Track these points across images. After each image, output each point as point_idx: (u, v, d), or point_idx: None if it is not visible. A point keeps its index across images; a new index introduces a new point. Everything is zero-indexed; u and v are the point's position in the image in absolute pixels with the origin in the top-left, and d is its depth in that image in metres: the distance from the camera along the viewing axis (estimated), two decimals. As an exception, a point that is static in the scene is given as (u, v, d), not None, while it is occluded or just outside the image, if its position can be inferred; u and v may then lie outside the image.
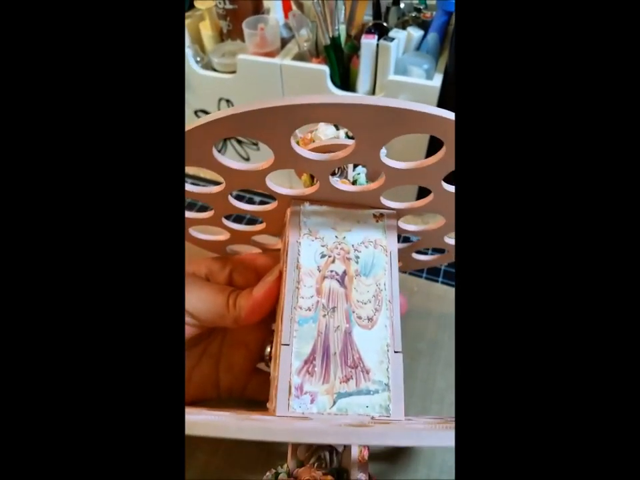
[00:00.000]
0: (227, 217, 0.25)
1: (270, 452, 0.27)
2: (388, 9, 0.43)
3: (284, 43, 0.44)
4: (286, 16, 0.47)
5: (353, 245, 0.21)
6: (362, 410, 0.17)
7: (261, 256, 0.26)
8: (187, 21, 0.47)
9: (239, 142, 0.49)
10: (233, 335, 0.27)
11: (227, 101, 0.45)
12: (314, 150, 0.22)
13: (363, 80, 0.40)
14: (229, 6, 0.44)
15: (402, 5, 0.43)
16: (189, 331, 0.23)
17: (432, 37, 0.40)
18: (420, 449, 0.28)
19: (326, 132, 0.23)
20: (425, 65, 0.38)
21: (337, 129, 0.23)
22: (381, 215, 0.22)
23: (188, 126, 0.16)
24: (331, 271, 0.20)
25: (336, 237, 0.21)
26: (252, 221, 0.43)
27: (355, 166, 0.24)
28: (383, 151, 0.24)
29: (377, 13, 0.43)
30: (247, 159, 0.50)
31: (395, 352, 0.18)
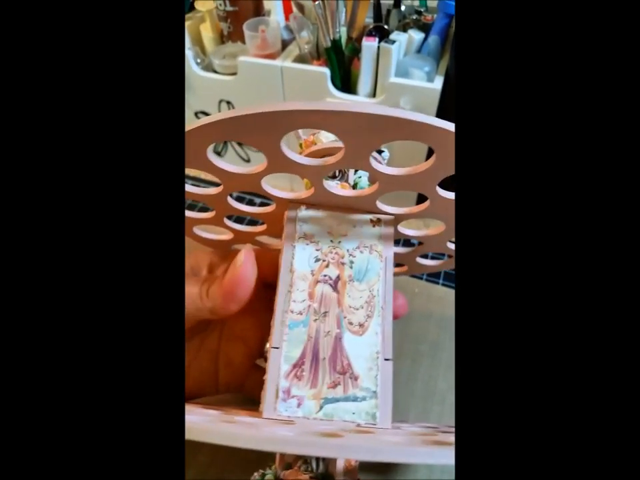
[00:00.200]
0: (229, 217, 0.25)
1: (265, 454, 0.27)
2: (389, 11, 0.43)
3: (285, 45, 0.44)
4: (287, 18, 0.47)
5: (347, 250, 0.21)
6: (348, 416, 0.17)
7: (264, 250, 0.26)
8: (187, 23, 0.47)
9: (239, 143, 0.49)
10: (231, 329, 0.27)
11: (228, 102, 0.45)
12: (314, 153, 0.22)
13: (364, 82, 0.40)
14: (229, 8, 0.44)
15: (403, 8, 0.43)
16: None
17: (433, 39, 0.40)
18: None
19: (327, 135, 0.23)
20: (426, 68, 0.38)
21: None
22: (378, 220, 0.22)
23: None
24: (325, 276, 0.20)
25: (331, 241, 0.21)
26: (253, 222, 0.43)
27: (356, 170, 0.23)
28: (386, 154, 0.24)
29: (377, 16, 0.43)
30: (248, 161, 0.50)
31: (385, 359, 0.18)
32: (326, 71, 0.39)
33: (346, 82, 0.43)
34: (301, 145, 0.24)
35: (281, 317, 0.19)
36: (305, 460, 0.18)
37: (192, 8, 0.49)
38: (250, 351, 0.26)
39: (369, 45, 0.38)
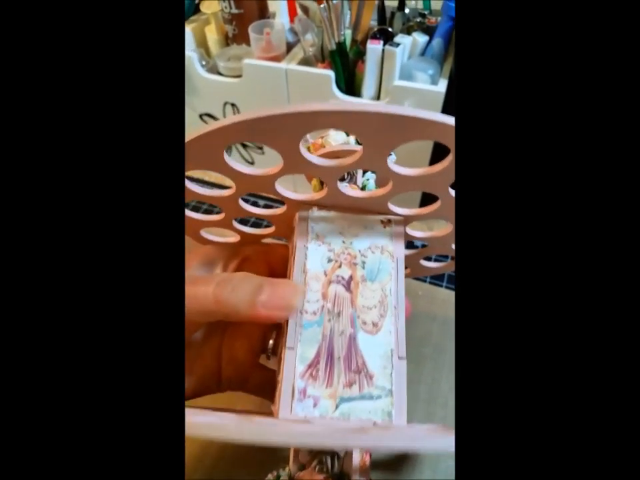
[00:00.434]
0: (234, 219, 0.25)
1: (276, 456, 0.27)
2: (393, 14, 0.43)
3: (289, 47, 0.45)
4: (292, 20, 0.47)
5: (359, 250, 0.21)
6: (364, 415, 0.17)
7: (275, 246, 0.26)
8: (192, 25, 0.47)
9: (244, 146, 0.49)
10: (234, 325, 0.26)
11: (233, 105, 0.45)
12: (324, 155, 0.22)
13: (368, 85, 0.40)
14: (234, 10, 0.44)
15: (407, 11, 0.43)
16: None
17: (437, 42, 0.41)
18: (425, 454, 0.28)
19: (336, 137, 0.23)
20: (430, 71, 0.38)
21: (347, 134, 0.23)
22: (389, 220, 0.22)
23: (199, 131, 0.16)
24: (337, 276, 0.20)
25: (343, 242, 0.21)
26: (257, 224, 0.43)
27: (365, 172, 0.24)
28: (393, 157, 0.24)
29: (381, 18, 0.43)
30: (252, 163, 0.50)
31: (399, 358, 0.18)
32: (330, 73, 0.39)
33: (350, 85, 0.43)
34: (308, 148, 0.24)
35: (295, 317, 0.19)
36: (320, 460, 0.18)
37: (197, 10, 0.49)
38: (253, 348, 0.26)
39: (374, 47, 0.38)
